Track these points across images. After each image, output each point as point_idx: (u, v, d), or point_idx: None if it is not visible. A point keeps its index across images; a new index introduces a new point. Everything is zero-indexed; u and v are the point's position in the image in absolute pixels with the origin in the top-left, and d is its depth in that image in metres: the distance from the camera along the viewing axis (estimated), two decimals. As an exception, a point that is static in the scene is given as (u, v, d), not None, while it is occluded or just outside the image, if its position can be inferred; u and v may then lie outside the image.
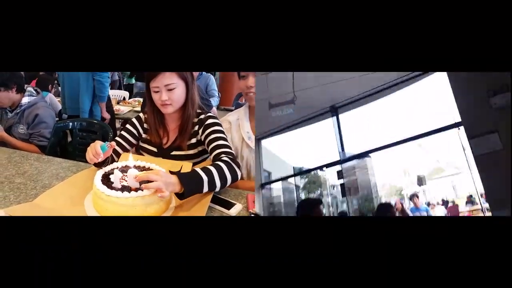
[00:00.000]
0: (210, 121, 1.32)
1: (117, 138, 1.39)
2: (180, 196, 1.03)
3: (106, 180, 1.03)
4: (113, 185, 1.00)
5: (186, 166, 1.24)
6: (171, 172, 1.21)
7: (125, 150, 1.39)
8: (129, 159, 1.11)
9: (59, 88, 3.66)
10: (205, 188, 1.04)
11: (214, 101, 3.15)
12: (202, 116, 1.34)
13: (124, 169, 1.08)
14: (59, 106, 2.92)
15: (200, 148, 1.35)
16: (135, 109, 3.25)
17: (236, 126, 1.43)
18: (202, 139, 1.31)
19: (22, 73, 2.03)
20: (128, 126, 1.42)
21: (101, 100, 2.59)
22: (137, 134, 1.41)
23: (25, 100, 1.94)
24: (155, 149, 1.38)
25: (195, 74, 1.31)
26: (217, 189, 1.08)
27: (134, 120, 1.43)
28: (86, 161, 1.33)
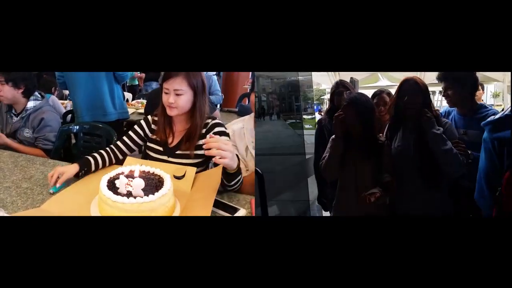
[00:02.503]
0: (218, 129, 1.37)
1: (124, 138, 1.43)
2: (230, 176, 1.18)
3: (112, 185, 1.04)
4: (118, 190, 1.01)
5: (190, 171, 1.26)
6: (175, 177, 1.23)
7: (131, 150, 1.43)
8: (135, 163, 1.13)
9: (63, 91, 3.68)
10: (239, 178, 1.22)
11: (217, 99, 3.17)
12: (209, 121, 1.39)
13: (129, 175, 1.09)
14: (62, 109, 2.93)
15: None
16: (139, 111, 3.26)
17: (240, 134, 1.45)
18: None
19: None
20: (136, 127, 1.46)
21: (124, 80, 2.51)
22: (143, 136, 1.45)
23: (31, 104, 1.96)
24: (161, 148, 1.42)
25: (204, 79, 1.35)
26: (232, 184, 1.21)
27: (142, 122, 1.47)
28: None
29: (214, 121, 1.39)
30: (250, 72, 4.70)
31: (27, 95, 1.95)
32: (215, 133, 1.33)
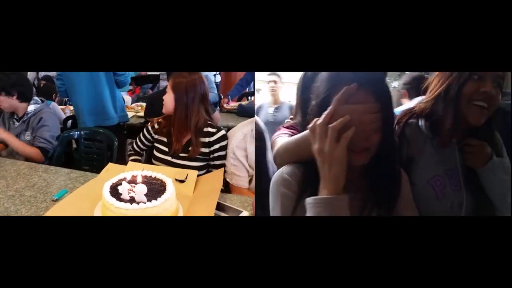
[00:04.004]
0: (220, 144, 1.47)
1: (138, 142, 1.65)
2: None
3: (115, 191, 1.05)
4: (121, 196, 1.02)
5: (192, 174, 1.27)
6: (177, 180, 1.24)
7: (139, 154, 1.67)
8: (136, 168, 1.13)
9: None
10: None
11: (212, 97, 3.18)
12: (214, 130, 1.47)
13: (132, 180, 1.10)
14: (63, 115, 2.94)
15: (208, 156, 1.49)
16: (138, 114, 3.26)
17: (251, 137, 1.43)
18: (210, 152, 1.48)
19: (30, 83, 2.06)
20: (142, 133, 1.64)
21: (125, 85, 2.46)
22: (150, 138, 1.60)
23: (31, 108, 2.01)
24: (166, 149, 1.52)
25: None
26: None
27: (145, 129, 1.64)
28: (92, 171, 1.37)
29: (220, 134, 1.47)
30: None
31: (24, 99, 1.98)
32: (216, 150, 1.46)
